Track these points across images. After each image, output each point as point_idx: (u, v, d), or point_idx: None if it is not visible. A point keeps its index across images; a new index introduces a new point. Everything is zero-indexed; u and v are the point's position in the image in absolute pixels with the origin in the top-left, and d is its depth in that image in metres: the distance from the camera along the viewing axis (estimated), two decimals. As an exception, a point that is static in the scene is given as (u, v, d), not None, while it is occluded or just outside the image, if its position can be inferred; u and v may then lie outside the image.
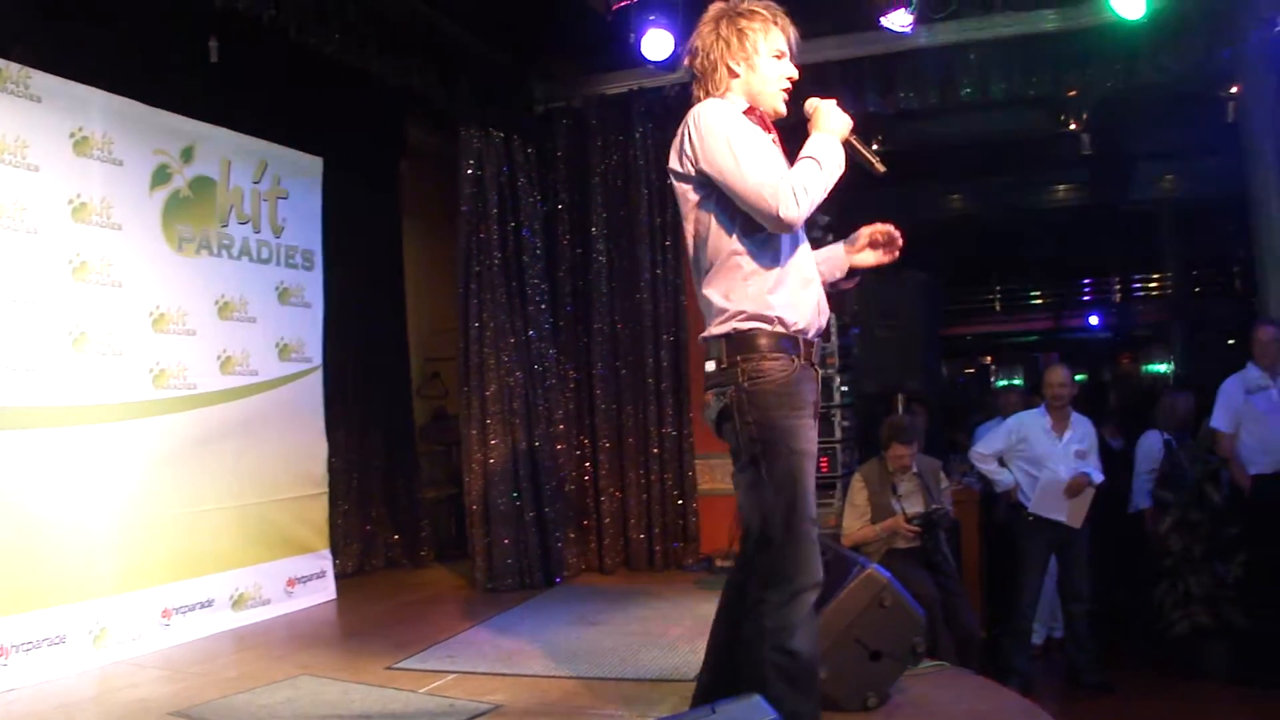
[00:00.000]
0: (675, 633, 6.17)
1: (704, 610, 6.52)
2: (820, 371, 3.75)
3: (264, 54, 6.60)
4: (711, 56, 3.64)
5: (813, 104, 3.60)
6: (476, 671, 5.48)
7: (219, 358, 6.78)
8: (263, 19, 5.66)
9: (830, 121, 3.53)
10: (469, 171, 7.94)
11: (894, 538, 6.48)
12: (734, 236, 3.49)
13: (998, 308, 23.68)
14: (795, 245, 3.58)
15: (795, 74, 3.67)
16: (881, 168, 3.62)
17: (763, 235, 3.49)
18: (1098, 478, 7.04)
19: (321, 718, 4.78)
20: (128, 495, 6.10)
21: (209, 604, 6.55)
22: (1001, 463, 7.31)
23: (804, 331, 3.52)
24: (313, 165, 7.66)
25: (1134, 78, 7.39)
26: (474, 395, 7.86)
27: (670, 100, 8.23)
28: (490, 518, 7.74)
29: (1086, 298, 23.80)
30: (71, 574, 5.72)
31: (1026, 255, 21.80)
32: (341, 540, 8.22)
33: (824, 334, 3.80)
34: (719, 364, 3.53)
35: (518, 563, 7.75)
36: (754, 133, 3.52)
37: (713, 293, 3.55)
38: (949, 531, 6.83)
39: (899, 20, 6.85)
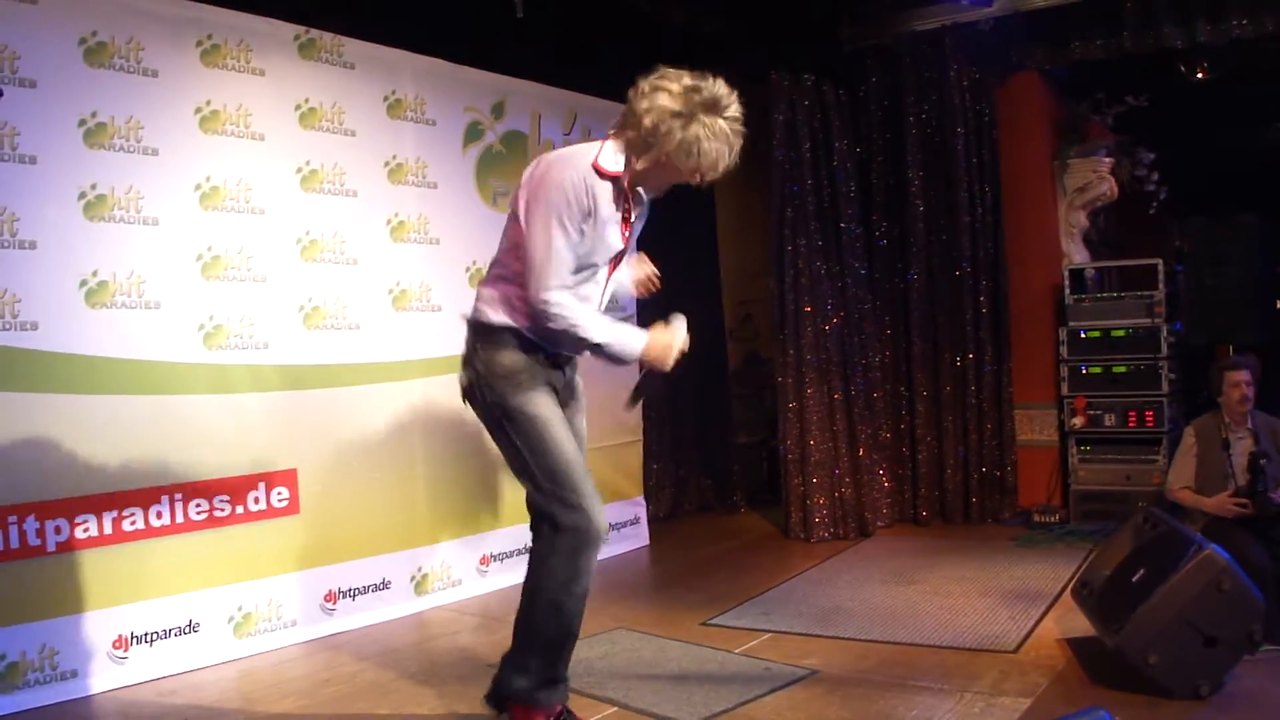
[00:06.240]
0: (994, 596, 5.90)
1: (1021, 571, 6.36)
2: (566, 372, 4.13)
3: (569, 6, 6.58)
4: (641, 116, 3.63)
5: (677, 322, 3.97)
6: (792, 631, 5.40)
7: (536, 309, 6.84)
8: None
9: (659, 348, 3.87)
10: (781, 117, 7.74)
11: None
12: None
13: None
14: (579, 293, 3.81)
15: (685, 182, 3.81)
16: (629, 405, 4.21)
17: None
18: None
19: (638, 675, 4.82)
20: (446, 448, 6.27)
21: (526, 551, 6.67)
22: None
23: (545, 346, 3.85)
24: (622, 114, 7.60)
25: None
26: (789, 343, 7.72)
27: (984, 36, 7.80)
28: (805, 467, 7.64)
29: None
30: (395, 522, 5.96)
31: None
32: (655, 485, 8.30)
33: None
34: (469, 347, 3.92)
35: (832, 513, 7.64)
36: (577, 221, 3.65)
37: (488, 290, 3.88)
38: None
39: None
